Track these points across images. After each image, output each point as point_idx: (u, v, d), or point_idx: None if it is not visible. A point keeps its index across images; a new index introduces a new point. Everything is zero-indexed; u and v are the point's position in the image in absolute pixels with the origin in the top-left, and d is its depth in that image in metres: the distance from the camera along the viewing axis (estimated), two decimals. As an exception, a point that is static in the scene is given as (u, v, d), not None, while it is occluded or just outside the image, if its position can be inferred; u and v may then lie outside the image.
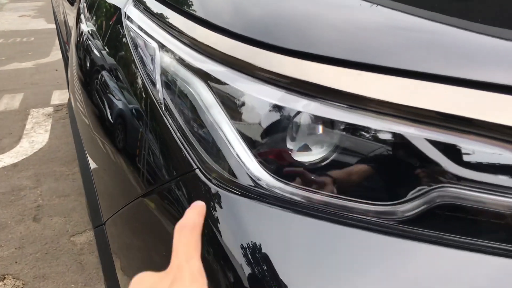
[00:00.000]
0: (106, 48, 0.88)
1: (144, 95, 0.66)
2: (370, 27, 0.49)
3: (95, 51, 0.93)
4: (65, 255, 1.95)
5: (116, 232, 0.79)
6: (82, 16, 1.14)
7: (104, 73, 0.84)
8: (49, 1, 4.85)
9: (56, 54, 5.07)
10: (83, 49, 1.03)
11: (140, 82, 0.68)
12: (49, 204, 2.29)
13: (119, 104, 0.74)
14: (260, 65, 0.51)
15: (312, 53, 0.48)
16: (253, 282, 0.46)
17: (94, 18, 1.02)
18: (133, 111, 0.69)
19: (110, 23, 0.88)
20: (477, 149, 0.43)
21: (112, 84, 0.80)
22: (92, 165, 0.97)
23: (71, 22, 1.52)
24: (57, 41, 4.26)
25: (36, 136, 3.06)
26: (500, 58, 0.44)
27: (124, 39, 0.77)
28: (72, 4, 1.61)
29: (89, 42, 0.99)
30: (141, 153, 0.65)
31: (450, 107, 0.42)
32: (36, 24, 7.09)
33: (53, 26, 4.95)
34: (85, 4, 1.15)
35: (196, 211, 0.41)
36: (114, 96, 0.77)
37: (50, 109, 3.54)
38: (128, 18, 0.77)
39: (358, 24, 0.50)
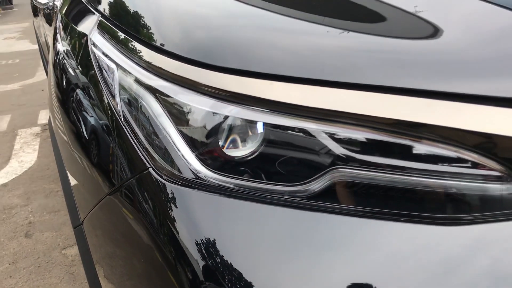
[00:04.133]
0: (79, 67, 0.97)
1: (109, 110, 0.78)
2: (275, 45, 0.62)
3: (70, 70, 1.02)
4: (57, 267, 2.03)
5: (97, 241, 0.88)
6: (58, 35, 1.24)
7: (79, 91, 0.94)
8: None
9: (41, 75, 5.14)
10: (59, 68, 1.12)
11: (105, 99, 0.80)
12: (40, 220, 2.37)
13: (92, 121, 0.85)
14: (197, 80, 0.63)
15: (233, 68, 0.60)
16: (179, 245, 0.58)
17: (69, 38, 1.13)
18: (103, 126, 0.80)
19: (82, 44, 0.98)
20: (360, 137, 0.55)
21: (85, 101, 0.90)
22: (73, 181, 1.04)
23: (50, 42, 1.61)
24: (41, 62, 4.38)
25: (25, 155, 3.14)
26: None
27: (92, 62, 0.89)
28: (50, 24, 1.69)
29: (65, 61, 1.08)
30: (109, 159, 0.77)
31: (335, 105, 0.54)
32: (21, 46, 7.17)
33: (37, 47, 5.05)
34: (60, 24, 1.26)
35: None
36: (87, 113, 0.88)
37: (37, 129, 3.61)
38: (93, 44, 0.89)
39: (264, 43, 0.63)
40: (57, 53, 1.20)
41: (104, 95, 0.80)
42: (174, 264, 0.60)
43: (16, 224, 2.34)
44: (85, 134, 0.88)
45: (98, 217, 0.82)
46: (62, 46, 1.15)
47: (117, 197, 0.72)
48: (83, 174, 0.91)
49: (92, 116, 0.85)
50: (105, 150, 0.79)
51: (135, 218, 0.68)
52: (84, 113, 0.89)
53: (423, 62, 0.55)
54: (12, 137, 3.46)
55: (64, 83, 1.05)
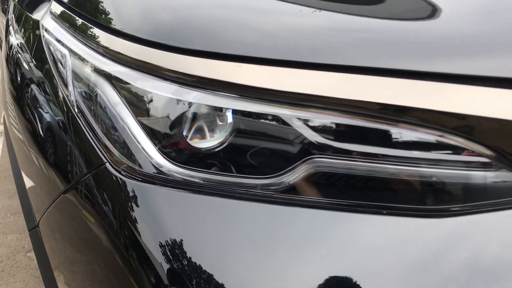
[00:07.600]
0: (33, 60, 0.91)
1: (63, 104, 0.71)
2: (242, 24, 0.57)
3: (24, 64, 0.95)
4: (22, 271, 1.94)
5: (56, 245, 0.81)
6: (11, 28, 1.16)
7: (33, 86, 0.87)
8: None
9: (4, 72, 4.94)
10: (13, 62, 1.05)
11: (60, 93, 0.72)
12: (3, 222, 2.26)
13: (47, 117, 0.78)
14: (159, 64, 0.57)
15: (198, 50, 0.54)
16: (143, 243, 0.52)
17: (22, 30, 1.05)
18: (60, 122, 0.73)
19: (37, 35, 0.91)
20: (338, 123, 0.50)
21: (40, 97, 0.83)
22: (28, 182, 0.97)
23: (3, 35, 1.52)
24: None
25: (-13, 155, 3.00)
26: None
27: (46, 54, 0.81)
28: (4, 12, 1.59)
29: (19, 55, 1.01)
30: (66, 156, 0.70)
31: (310, 89, 0.49)
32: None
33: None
34: (13, 16, 1.17)
35: None
36: (43, 110, 0.80)
37: (1, 127, 3.47)
38: (46, 30, 0.82)
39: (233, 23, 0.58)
40: (10, 46, 1.11)
41: (59, 89, 0.73)
42: (136, 267, 0.54)
43: (-22, 227, 2.23)
44: (41, 132, 0.80)
45: (55, 218, 0.75)
46: (15, 39, 1.07)
47: (73, 195, 0.66)
48: (38, 174, 0.83)
49: (47, 113, 0.78)
50: (62, 147, 0.72)
51: (93, 218, 0.62)
52: (40, 109, 0.81)
53: (402, 40, 0.51)
54: (-27, 136, 3.30)
55: (18, 79, 0.98)
